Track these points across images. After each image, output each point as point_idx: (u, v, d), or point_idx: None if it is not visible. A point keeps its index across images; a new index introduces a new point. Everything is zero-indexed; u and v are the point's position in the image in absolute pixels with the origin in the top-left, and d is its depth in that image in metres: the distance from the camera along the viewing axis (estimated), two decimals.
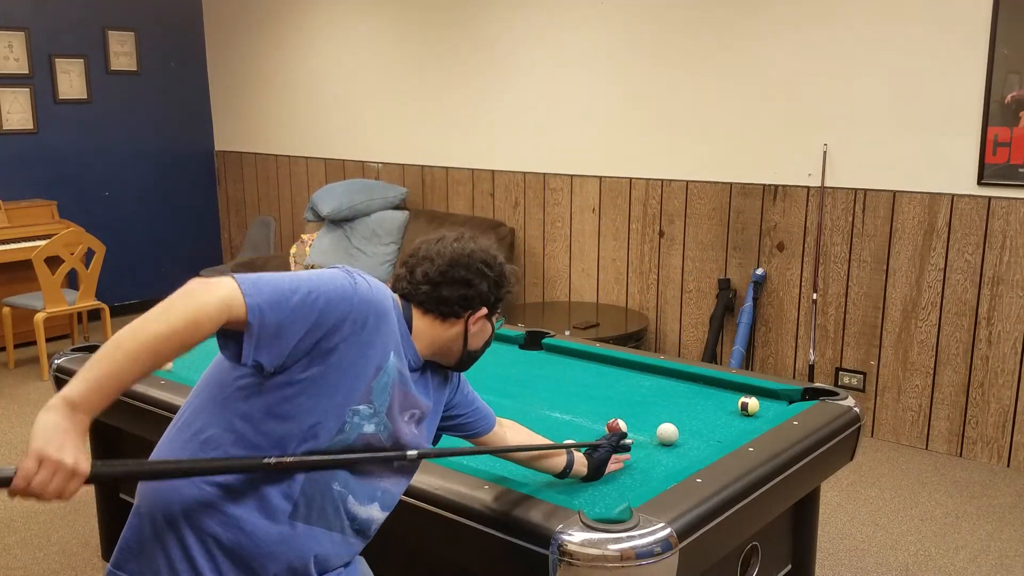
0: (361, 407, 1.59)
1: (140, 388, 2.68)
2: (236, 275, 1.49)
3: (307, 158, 6.84)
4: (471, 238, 1.81)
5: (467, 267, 1.76)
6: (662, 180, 5.01)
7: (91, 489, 3.82)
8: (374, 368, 1.59)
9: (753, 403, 2.54)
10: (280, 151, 7.02)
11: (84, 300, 5.60)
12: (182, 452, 1.58)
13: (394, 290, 1.78)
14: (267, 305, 1.47)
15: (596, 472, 2.06)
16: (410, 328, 1.73)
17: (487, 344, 1.85)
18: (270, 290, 1.48)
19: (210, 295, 1.43)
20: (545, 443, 2.02)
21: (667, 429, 2.33)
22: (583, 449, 2.07)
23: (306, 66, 6.71)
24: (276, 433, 1.55)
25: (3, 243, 5.86)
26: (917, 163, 4.17)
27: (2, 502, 3.82)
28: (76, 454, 1.33)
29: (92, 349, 3.07)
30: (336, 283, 1.56)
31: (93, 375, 1.35)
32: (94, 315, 6.47)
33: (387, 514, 1.75)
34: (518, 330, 3.29)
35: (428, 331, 1.74)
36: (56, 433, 1.31)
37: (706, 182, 4.84)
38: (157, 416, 2.60)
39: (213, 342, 1.54)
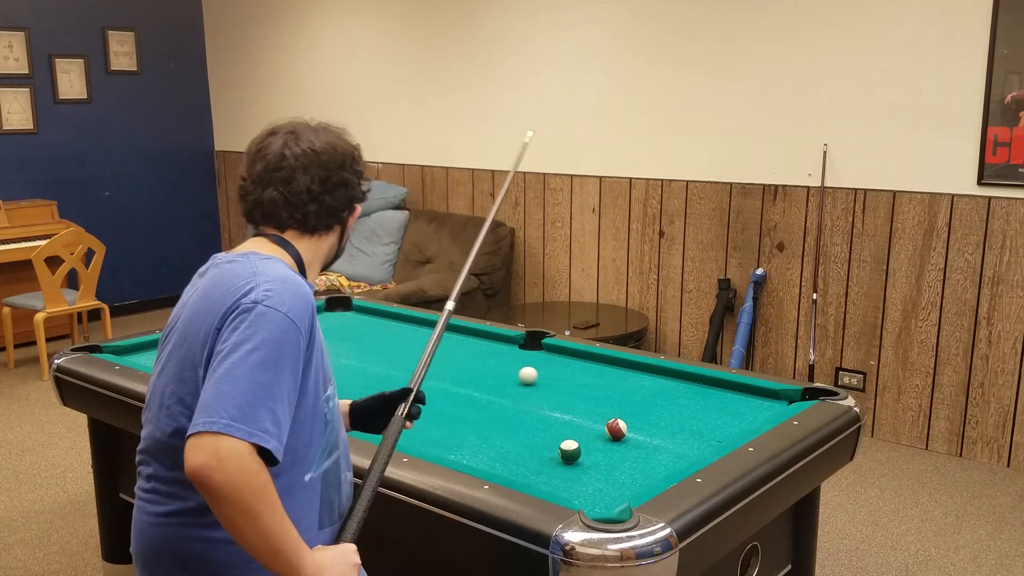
0: (328, 390, 1.57)
1: (140, 388, 2.67)
2: (227, 424, 1.33)
3: None
4: (322, 127, 1.66)
5: (341, 166, 1.63)
6: (662, 180, 5.01)
7: (91, 489, 3.82)
8: (321, 350, 1.55)
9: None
10: None
11: (84, 300, 5.60)
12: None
13: (270, 221, 1.62)
14: (266, 422, 1.37)
15: (363, 423, 1.81)
16: (304, 268, 1.62)
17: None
18: (254, 405, 1.36)
19: (249, 469, 1.33)
20: None
21: (527, 372, 2.58)
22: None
23: (306, 66, 6.71)
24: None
25: (3, 243, 5.86)
26: (917, 163, 4.17)
27: (1, 501, 3.82)
28: (335, 564, 1.48)
29: (92, 349, 3.07)
30: (277, 327, 1.42)
31: (283, 562, 1.41)
32: (94, 315, 6.47)
33: None
34: (518, 330, 3.29)
35: (315, 253, 1.66)
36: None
37: (706, 182, 4.84)
38: None
39: None
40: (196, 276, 1.63)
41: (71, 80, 6.57)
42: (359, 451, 1.98)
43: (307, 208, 1.60)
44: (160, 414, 1.52)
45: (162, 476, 1.53)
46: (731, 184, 4.75)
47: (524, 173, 5.60)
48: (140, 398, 2.65)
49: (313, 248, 1.65)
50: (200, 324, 1.47)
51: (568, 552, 1.69)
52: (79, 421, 4.58)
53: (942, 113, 4.07)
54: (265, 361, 1.39)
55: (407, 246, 5.84)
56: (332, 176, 1.61)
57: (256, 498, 1.34)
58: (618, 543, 1.70)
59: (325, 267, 1.73)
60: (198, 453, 1.32)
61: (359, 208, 1.70)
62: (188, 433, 1.34)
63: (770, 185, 4.63)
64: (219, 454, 1.32)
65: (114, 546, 3.16)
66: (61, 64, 6.50)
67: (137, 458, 1.60)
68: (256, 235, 1.64)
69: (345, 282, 5.66)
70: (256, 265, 1.51)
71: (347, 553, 1.51)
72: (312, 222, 1.62)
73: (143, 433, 1.58)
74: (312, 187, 1.60)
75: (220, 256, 1.60)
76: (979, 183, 4.01)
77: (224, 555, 1.49)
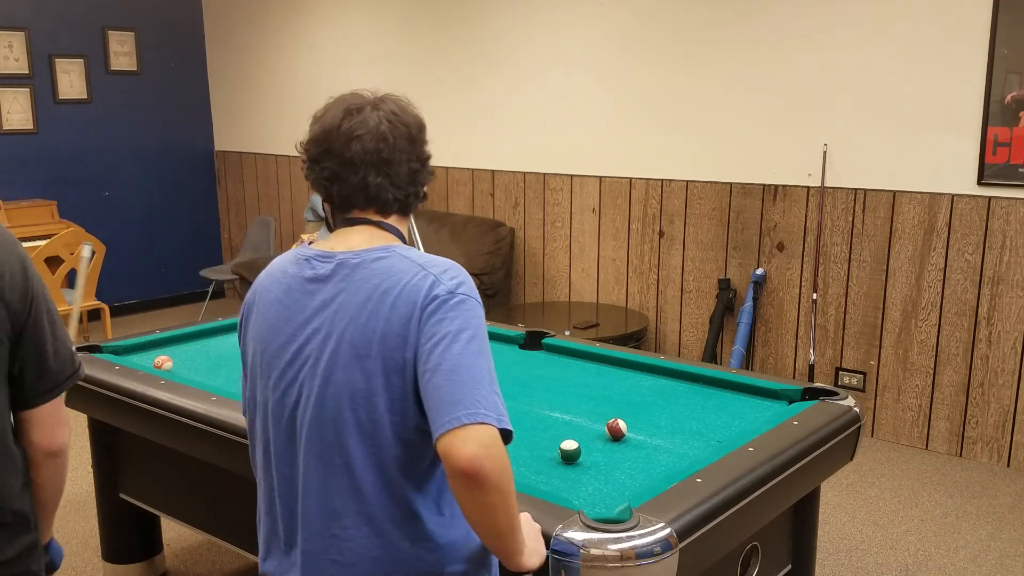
0: None
1: (140, 388, 2.68)
2: (485, 414, 1.33)
3: None
4: (393, 98, 1.56)
5: (424, 140, 1.56)
6: (662, 180, 5.01)
7: (91, 489, 3.82)
8: None
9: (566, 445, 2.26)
10: (280, 151, 7.03)
11: (84, 300, 5.60)
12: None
13: (373, 205, 1.53)
14: (500, 405, 1.38)
15: None
16: None
17: None
18: (492, 392, 1.37)
19: (505, 453, 1.35)
20: None
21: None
22: None
23: (306, 66, 6.71)
24: None
25: None
26: (917, 163, 4.17)
27: None
28: (530, 533, 1.52)
29: (92, 349, 3.07)
30: (477, 314, 1.44)
31: (517, 539, 1.44)
32: (94, 315, 6.47)
33: None
34: (518, 330, 3.29)
35: (406, 236, 1.60)
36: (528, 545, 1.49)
37: (706, 182, 4.84)
38: (156, 416, 2.60)
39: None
40: (305, 280, 1.50)
41: (71, 80, 6.57)
42: None
43: (408, 190, 1.54)
44: (371, 432, 1.43)
45: (385, 500, 1.45)
46: (731, 184, 4.75)
47: (524, 173, 5.60)
48: (139, 398, 2.65)
49: (407, 231, 1.59)
50: (385, 327, 1.41)
51: (569, 552, 1.69)
52: (79, 421, 4.58)
53: (942, 113, 4.07)
54: (482, 348, 1.40)
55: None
56: (422, 153, 1.56)
57: (511, 481, 1.36)
58: (618, 543, 1.70)
59: None
60: (467, 444, 1.30)
61: None
62: (446, 428, 1.32)
63: (770, 185, 4.63)
64: (485, 442, 1.31)
65: (114, 546, 3.15)
66: (61, 64, 6.50)
67: (319, 502, 1.47)
68: (356, 222, 1.54)
69: None
70: (414, 257, 1.48)
71: (531, 520, 1.57)
72: (411, 203, 1.56)
73: (312, 466, 1.46)
74: (412, 166, 1.53)
75: (341, 255, 1.49)
76: (979, 183, 4.01)
77: (451, 555, 1.50)
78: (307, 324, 1.48)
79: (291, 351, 1.48)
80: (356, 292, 1.45)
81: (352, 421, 1.43)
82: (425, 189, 1.60)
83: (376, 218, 1.54)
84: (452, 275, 1.45)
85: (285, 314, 1.50)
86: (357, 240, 1.51)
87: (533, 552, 1.48)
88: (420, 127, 1.56)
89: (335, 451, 1.44)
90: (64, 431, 1.56)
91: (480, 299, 1.46)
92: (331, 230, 1.59)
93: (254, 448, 1.59)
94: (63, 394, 1.56)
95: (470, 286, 1.45)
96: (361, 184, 1.50)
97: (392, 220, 1.55)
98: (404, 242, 1.55)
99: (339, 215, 1.56)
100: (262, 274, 1.59)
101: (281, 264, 1.56)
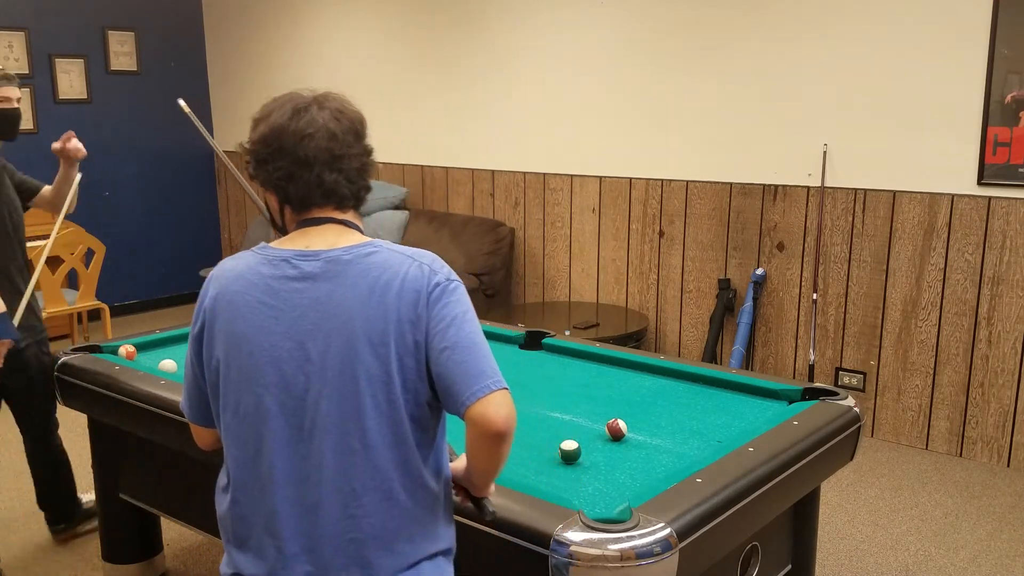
0: None
1: (139, 387, 2.68)
2: (501, 380, 1.51)
3: None
4: (333, 95, 1.60)
5: (366, 134, 1.61)
6: (662, 180, 5.01)
7: (91, 488, 3.81)
8: None
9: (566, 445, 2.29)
10: None
11: (84, 300, 5.60)
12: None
13: (330, 202, 1.57)
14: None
15: None
16: None
17: None
18: (494, 361, 1.54)
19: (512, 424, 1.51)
20: None
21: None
22: None
23: (306, 66, 6.71)
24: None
25: None
26: (917, 163, 4.17)
27: (2, 501, 3.82)
28: None
29: (92, 349, 3.07)
30: (467, 297, 1.59)
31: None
32: (94, 315, 6.47)
33: None
34: (518, 330, 3.29)
35: None
36: None
37: (706, 182, 4.84)
38: (156, 416, 2.60)
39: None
40: (290, 279, 1.53)
41: (71, 80, 6.57)
42: None
43: (359, 183, 1.60)
44: (388, 412, 1.52)
45: (401, 473, 1.54)
46: (731, 184, 4.75)
47: (524, 173, 5.60)
48: (139, 397, 2.65)
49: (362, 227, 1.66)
50: (397, 315, 1.51)
51: (568, 552, 1.69)
52: (79, 421, 4.57)
53: (942, 113, 4.07)
54: (478, 325, 1.56)
55: (407, 239, 5.83)
56: (368, 148, 1.61)
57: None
58: (618, 543, 1.70)
59: None
60: (501, 408, 1.47)
61: None
62: (478, 396, 1.47)
63: (770, 185, 4.63)
64: (510, 404, 1.49)
65: (114, 546, 3.16)
66: (61, 64, 6.50)
67: (337, 488, 1.52)
68: (319, 221, 1.58)
69: None
70: (400, 250, 1.57)
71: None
72: (363, 197, 1.62)
73: (327, 452, 1.52)
74: (362, 160, 1.59)
75: (327, 253, 1.54)
76: (979, 183, 4.01)
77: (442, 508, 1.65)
78: (301, 320, 1.52)
79: (286, 348, 1.52)
80: (355, 286, 1.51)
81: (371, 405, 1.51)
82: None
83: (339, 216, 1.60)
84: (440, 264, 1.58)
85: (272, 314, 1.53)
86: (332, 238, 1.57)
87: None
88: (363, 122, 1.61)
89: (355, 436, 1.51)
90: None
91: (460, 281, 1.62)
92: (278, 229, 1.65)
93: (233, 451, 1.59)
94: None
95: (456, 274, 1.60)
96: (317, 181, 1.54)
97: (351, 217, 1.62)
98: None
99: (296, 214, 1.60)
100: (224, 278, 1.58)
101: (251, 266, 1.57)
